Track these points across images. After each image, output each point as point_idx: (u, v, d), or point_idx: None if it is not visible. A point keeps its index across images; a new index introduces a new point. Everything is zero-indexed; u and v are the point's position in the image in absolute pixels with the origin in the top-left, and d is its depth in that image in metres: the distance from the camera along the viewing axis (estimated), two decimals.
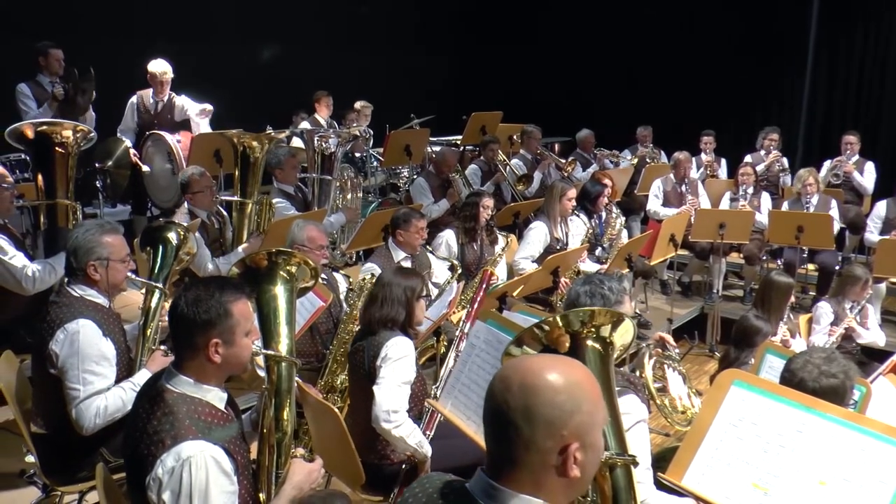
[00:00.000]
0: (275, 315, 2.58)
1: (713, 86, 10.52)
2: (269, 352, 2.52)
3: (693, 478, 2.30)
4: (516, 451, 1.47)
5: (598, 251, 6.34)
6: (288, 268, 2.64)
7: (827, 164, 7.93)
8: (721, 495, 2.22)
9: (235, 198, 5.36)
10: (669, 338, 3.36)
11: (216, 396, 2.27)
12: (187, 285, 2.26)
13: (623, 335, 2.03)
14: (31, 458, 4.04)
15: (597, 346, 1.98)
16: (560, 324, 1.94)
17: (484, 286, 3.41)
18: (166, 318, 3.52)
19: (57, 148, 4.56)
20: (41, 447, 3.28)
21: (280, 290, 2.61)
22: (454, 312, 4.69)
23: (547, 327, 1.95)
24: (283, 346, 2.56)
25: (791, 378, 2.66)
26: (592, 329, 1.97)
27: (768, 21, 10.34)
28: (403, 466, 3.35)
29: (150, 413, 2.17)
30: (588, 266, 5.85)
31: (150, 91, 6.92)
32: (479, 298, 3.35)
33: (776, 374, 3.39)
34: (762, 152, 8.49)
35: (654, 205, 7.65)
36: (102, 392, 3.07)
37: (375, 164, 8.50)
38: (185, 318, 2.20)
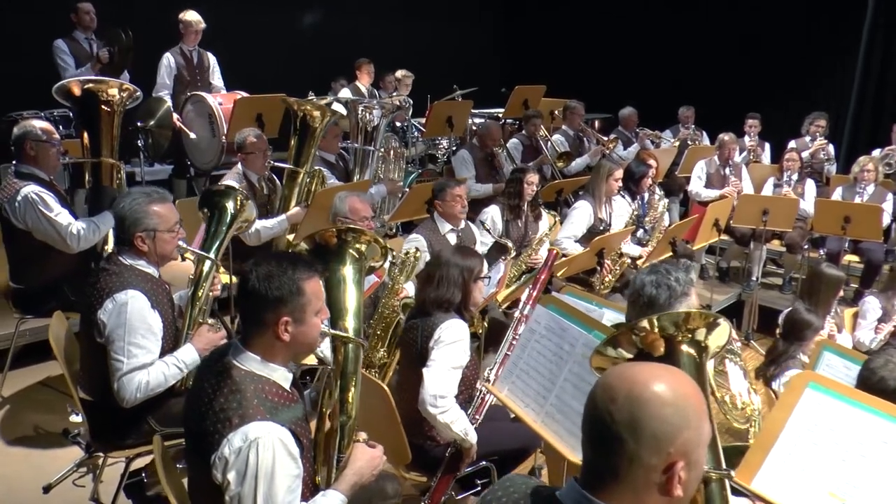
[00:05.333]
0: (343, 294, 2.52)
1: (759, 66, 10.26)
2: (338, 332, 2.46)
3: (764, 482, 2.21)
4: (619, 464, 1.40)
5: (640, 233, 6.22)
6: (357, 246, 2.57)
7: (876, 153, 7.71)
8: (794, 502, 2.14)
9: (288, 165, 5.30)
10: (732, 330, 3.26)
11: (282, 376, 2.21)
12: (258, 260, 2.18)
13: (718, 338, 1.94)
14: (75, 418, 4.04)
15: (692, 350, 1.88)
16: (655, 326, 1.85)
17: (549, 266, 3.30)
18: (217, 288, 3.52)
19: (103, 106, 4.55)
20: (88, 412, 3.26)
21: (349, 269, 2.55)
22: (500, 291, 4.63)
23: (642, 332, 1.86)
24: (351, 326, 2.50)
25: (870, 376, 2.56)
26: (688, 332, 1.88)
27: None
28: (449, 449, 3.26)
29: (216, 389, 2.12)
30: (629, 248, 5.77)
31: (178, 48, 6.90)
32: (542, 279, 3.24)
33: (834, 373, 3.31)
34: (807, 138, 8.28)
35: (697, 186, 7.53)
36: (146, 366, 3.02)
37: (416, 134, 8.40)
38: (256, 293, 2.13)
